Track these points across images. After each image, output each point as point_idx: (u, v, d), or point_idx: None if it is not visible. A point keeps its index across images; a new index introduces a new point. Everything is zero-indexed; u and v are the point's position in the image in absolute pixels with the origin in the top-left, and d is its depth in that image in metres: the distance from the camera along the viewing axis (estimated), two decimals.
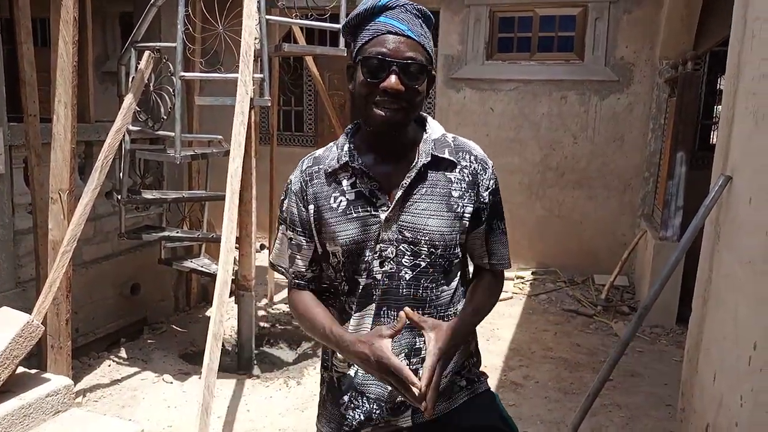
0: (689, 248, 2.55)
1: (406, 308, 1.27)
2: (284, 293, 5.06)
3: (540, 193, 6.38)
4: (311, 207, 1.39)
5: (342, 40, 3.93)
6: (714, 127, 6.34)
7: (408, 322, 1.26)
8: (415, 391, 1.19)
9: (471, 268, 1.53)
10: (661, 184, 5.43)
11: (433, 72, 1.36)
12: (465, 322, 1.37)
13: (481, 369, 1.54)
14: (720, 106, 5.16)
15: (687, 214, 4.48)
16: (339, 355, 1.43)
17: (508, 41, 6.45)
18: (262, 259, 5.66)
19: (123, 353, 4.17)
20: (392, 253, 1.35)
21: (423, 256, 1.35)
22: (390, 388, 1.36)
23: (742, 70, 2.28)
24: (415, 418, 1.40)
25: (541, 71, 6.25)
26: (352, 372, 1.42)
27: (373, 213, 1.35)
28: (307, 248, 1.43)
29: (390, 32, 1.28)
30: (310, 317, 1.41)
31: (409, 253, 1.35)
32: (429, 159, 1.35)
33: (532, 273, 6.26)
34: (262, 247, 6.46)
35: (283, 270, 1.50)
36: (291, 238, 1.45)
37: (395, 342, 1.35)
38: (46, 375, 2.88)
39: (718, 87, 6.32)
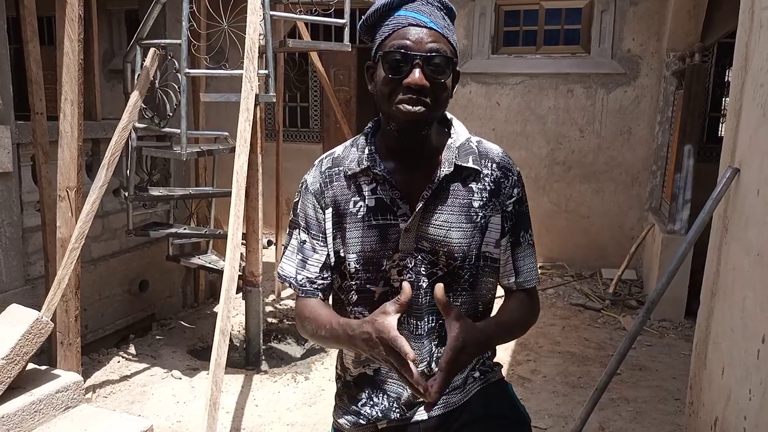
0: (697, 241, 2.53)
1: (439, 285, 1.14)
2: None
3: (547, 188, 6.36)
4: (329, 210, 1.34)
5: (346, 36, 3.92)
6: (722, 120, 6.29)
7: (411, 297, 1.16)
8: (413, 367, 1.10)
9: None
10: (668, 178, 5.39)
11: (458, 68, 1.29)
12: (487, 329, 1.26)
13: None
14: (728, 98, 5.12)
15: (695, 207, 4.44)
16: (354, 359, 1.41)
17: (514, 35, 6.42)
18: (269, 255, 5.67)
19: (132, 349, 4.20)
20: (411, 263, 1.31)
21: (441, 265, 1.31)
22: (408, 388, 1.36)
23: (749, 61, 2.26)
24: (429, 412, 1.38)
25: (547, 64, 6.22)
26: (371, 372, 1.40)
27: (392, 222, 1.30)
28: (321, 252, 1.36)
29: (411, 24, 1.21)
30: (314, 317, 1.33)
31: (426, 263, 1.31)
32: (451, 169, 1.29)
33: (540, 267, 6.25)
34: (269, 243, 6.45)
35: (291, 282, 1.38)
36: (304, 242, 1.37)
37: (416, 351, 1.32)
38: (56, 371, 2.90)
39: (726, 79, 6.27)
